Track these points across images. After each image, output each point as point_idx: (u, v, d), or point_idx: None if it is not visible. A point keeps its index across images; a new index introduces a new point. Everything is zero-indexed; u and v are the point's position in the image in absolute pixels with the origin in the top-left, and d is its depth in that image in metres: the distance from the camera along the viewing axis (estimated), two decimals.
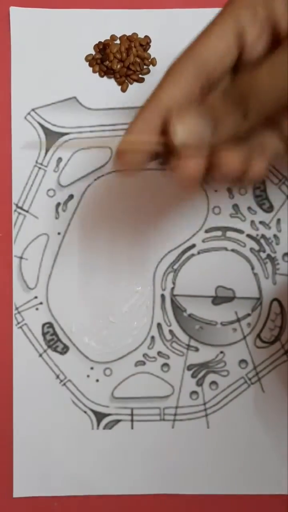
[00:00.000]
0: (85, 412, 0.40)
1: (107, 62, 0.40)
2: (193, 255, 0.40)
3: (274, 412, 0.39)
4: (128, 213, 0.40)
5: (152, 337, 0.40)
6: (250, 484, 0.39)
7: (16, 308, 0.40)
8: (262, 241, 0.40)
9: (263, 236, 0.40)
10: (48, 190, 0.40)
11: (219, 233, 0.40)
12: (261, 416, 0.39)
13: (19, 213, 0.40)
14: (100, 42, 0.40)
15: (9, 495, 0.39)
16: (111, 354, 0.40)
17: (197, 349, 0.40)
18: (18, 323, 0.40)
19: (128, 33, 0.40)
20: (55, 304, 0.40)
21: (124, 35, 0.40)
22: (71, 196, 0.40)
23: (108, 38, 0.40)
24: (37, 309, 0.40)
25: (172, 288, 0.40)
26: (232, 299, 0.40)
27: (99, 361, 0.40)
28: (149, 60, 0.40)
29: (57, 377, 0.40)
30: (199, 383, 0.40)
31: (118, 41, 0.40)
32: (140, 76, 0.40)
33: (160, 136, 0.24)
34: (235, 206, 0.40)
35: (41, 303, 0.40)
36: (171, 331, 0.40)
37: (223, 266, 0.40)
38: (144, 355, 0.40)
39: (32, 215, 0.40)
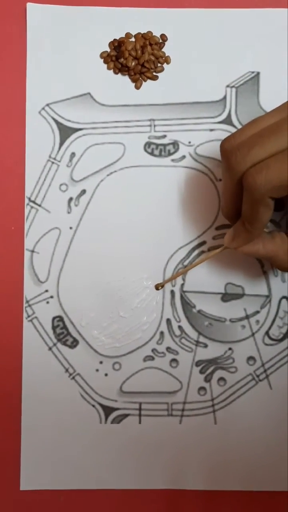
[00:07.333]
0: (93, 406, 0.40)
1: (122, 59, 0.40)
2: (203, 252, 0.40)
3: (281, 409, 0.40)
4: (140, 209, 0.40)
5: (161, 333, 0.40)
6: (256, 481, 0.39)
7: (27, 301, 0.40)
8: None
9: None
10: (61, 184, 0.40)
11: None
12: (269, 413, 0.40)
13: (32, 207, 0.40)
14: (115, 40, 0.40)
15: (16, 488, 0.39)
16: (120, 348, 0.40)
17: (205, 345, 0.40)
18: (29, 316, 0.40)
19: (143, 31, 0.40)
20: (65, 298, 0.40)
21: (139, 33, 0.40)
22: (83, 191, 0.40)
23: (123, 35, 0.40)
24: (47, 302, 0.40)
25: (182, 285, 0.40)
26: (241, 296, 0.40)
27: (108, 355, 0.40)
28: (164, 58, 0.40)
29: (66, 370, 0.40)
30: (207, 379, 0.40)
31: (133, 39, 0.40)
32: (154, 74, 0.40)
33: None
34: None
35: (51, 296, 0.40)
36: (180, 327, 0.40)
37: (233, 264, 0.40)
38: (153, 350, 0.40)
39: (44, 209, 0.40)
